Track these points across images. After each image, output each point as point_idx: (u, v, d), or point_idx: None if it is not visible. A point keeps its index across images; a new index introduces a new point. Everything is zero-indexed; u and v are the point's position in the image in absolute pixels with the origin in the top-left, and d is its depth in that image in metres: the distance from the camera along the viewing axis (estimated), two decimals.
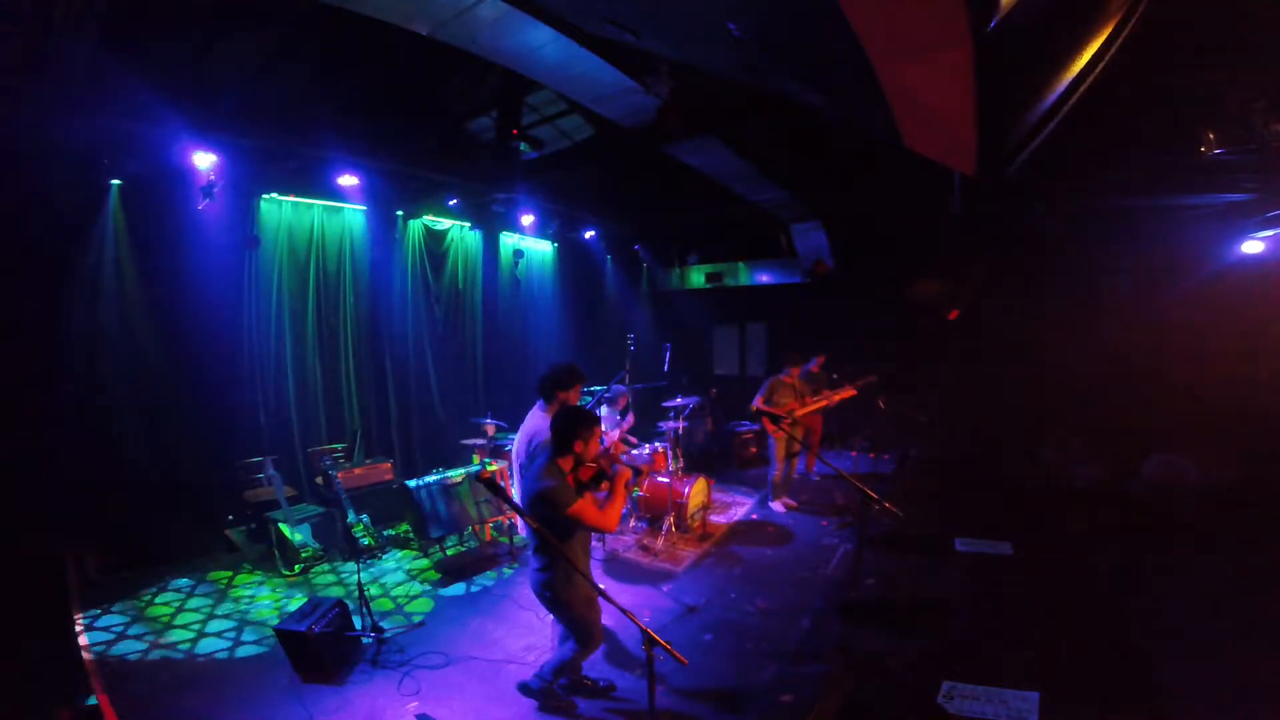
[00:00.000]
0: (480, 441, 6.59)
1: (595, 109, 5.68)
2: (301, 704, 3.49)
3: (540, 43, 4.40)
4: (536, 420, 3.89)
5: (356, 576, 4.20)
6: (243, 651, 4.09)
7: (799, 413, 6.47)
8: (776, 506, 6.81)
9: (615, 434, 5.48)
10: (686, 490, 5.99)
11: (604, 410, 6.05)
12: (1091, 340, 7.41)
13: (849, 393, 6.72)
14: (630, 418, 5.79)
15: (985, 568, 5.24)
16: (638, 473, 3.64)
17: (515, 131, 6.09)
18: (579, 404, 4.01)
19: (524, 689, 3.50)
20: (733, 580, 5.15)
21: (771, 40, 3.59)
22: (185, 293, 5.62)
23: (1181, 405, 6.77)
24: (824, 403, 6.67)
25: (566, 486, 2.97)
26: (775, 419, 6.24)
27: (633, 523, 6.22)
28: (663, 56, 4.84)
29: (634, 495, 6.19)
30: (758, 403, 6.43)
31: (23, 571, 3.95)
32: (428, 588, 5.04)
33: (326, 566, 5.36)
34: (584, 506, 2.95)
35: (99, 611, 4.41)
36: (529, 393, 4.36)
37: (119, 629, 4.23)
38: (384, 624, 4.20)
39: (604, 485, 3.40)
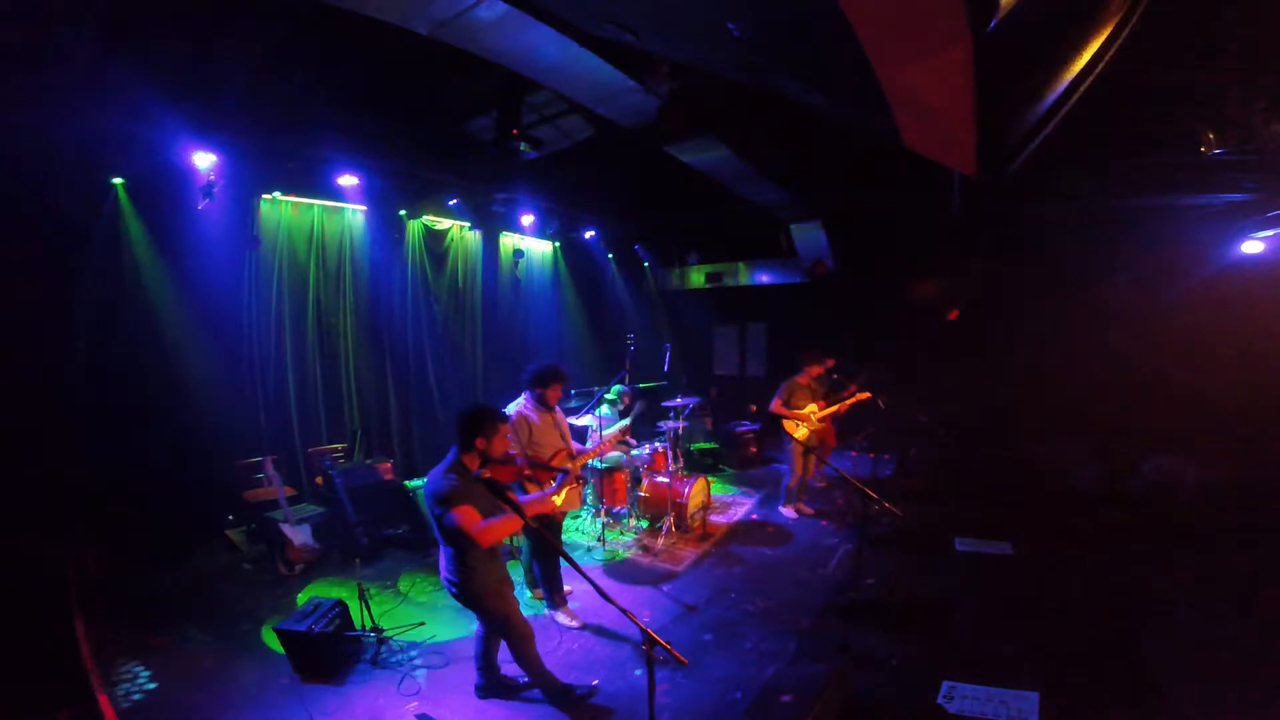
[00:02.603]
0: None
1: (595, 109, 5.67)
2: (301, 704, 3.49)
3: (540, 43, 4.40)
4: (516, 408, 4.32)
5: (357, 576, 4.21)
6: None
7: (816, 416, 6.40)
8: (788, 512, 6.67)
9: (607, 435, 5.48)
10: (686, 490, 5.99)
11: (605, 410, 6.06)
12: (1091, 340, 7.42)
13: (865, 395, 6.55)
14: (627, 422, 5.73)
15: (985, 568, 5.25)
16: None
17: (515, 131, 6.08)
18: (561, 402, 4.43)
19: (486, 690, 3.56)
20: (733, 580, 5.15)
21: (771, 40, 3.59)
22: (185, 293, 5.62)
23: (1181, 405, 6.77)
24: (840, 407, 6.51)
25: (464, 487, 2.99)
26: (777, 419, 6.21)
27: (633, 523, 6.22)
28: (663, 56, 4.84)
29: (635, 495, 6.20)
30: (775, 406, 6.32)
31: (23, 572, 3.95)
32: (428, 587, 5.04)
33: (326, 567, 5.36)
34: (467, 511, 2.93)
35: None
36: (516, 394, 4.57)
37: None
38: (384, 624, 4.20)
39: (534, 487, 3.51)
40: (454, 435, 3.19)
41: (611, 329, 10.65)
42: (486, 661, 3.53)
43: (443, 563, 3.18)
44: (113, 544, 4.97)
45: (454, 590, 3.15)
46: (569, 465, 4.08)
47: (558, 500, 3.70)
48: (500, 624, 3.24)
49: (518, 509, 2.93)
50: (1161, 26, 3.45)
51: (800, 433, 6.28)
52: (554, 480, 3.67)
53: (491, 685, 3.56)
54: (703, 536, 6.06)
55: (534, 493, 3.71)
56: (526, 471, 3.85)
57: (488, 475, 2.97)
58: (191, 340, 5.66)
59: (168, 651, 4.01)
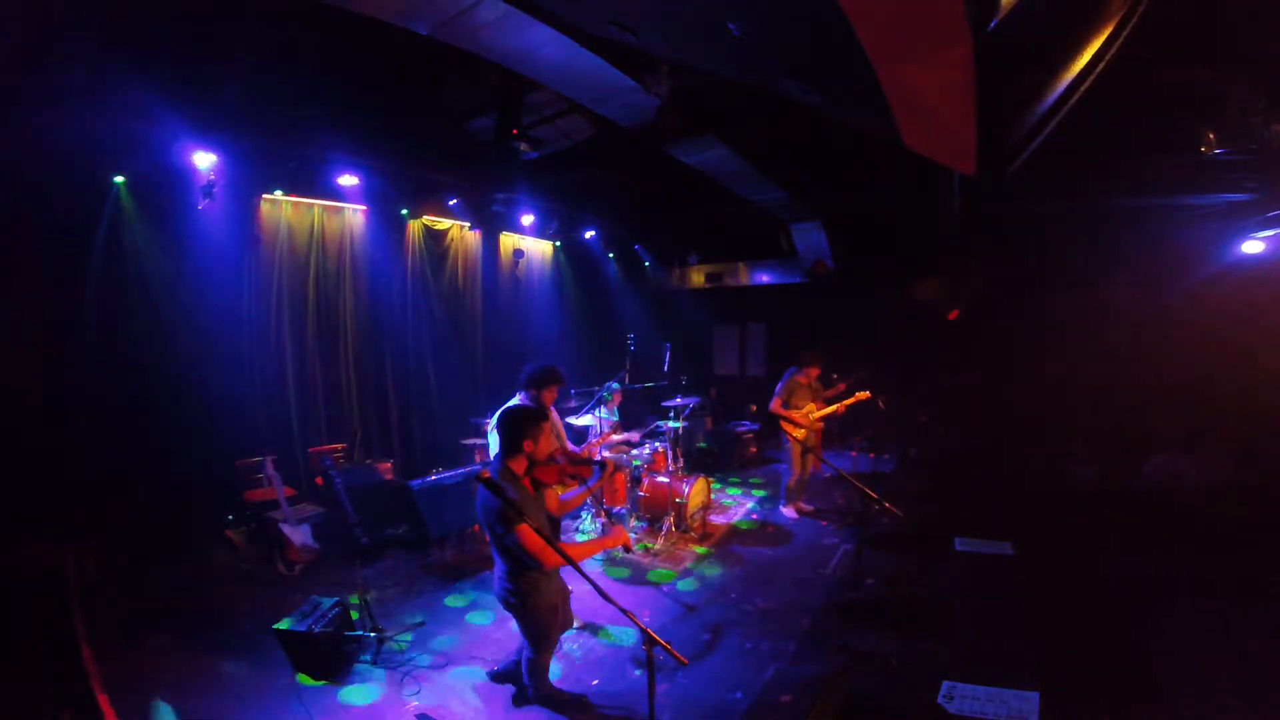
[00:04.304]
0: (480, 441, 6.59)
1: (595, 109, 5.67)
2: (301, 704, 3.49)
3: (540, 43, 4.40)
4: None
5: (357, 576, 4.21)
6: None
7: (814, 416, 6.36)
8: (789, 512, 6.65)
9: (605, 433, 5.49)
10: (686, 490, 5.98)
11: (602, 411, 6.06)
12: (1091, 340, 7.41)
13: (864, 395, 6.49)
14: (614, 420, 5.75)
15: (985, 568, 5.24)
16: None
17: (515, 131, 6.08)
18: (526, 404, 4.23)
19: (520, 698, 3.54)
20: (733, 580, 5.15)
21: (771, 40, 3.60)
22: (185, 293, 5.62)
23: (1181, 405, 6.77)
24: (839, 407, 6.45)
25: (520, 497, 2.94)
26: (776, 419, 6.19)
27: (633, 523, 6.22)
28: (663, 56, 4.84)
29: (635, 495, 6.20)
30: (775, 406, 6.28)
31: (23, 572, 3.95)
32: (428, 588, 5.04)
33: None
34: (528, 532, 2.78)
35: None
36: (513, 393, 4.51)
37: None
38: (384, 624, 4.20)
39: (572, 484, 3.58)
40: (500, 440, 3.13)
41: (611, 329, 10.65)
42: (536, 669, 3.50)
43: (499, 574, 3.11)
44: (113, 544, 4.97)
45: (512, 600, 3.08)
46: (606, 458, 4.07)
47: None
48: (542, 637, 3.22)
49: (516, 512, 2.93)
50: (1161, 26, 3.45)
51: (798, 432, 6.27)
52: (591, 474, 3.70)
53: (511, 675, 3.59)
54: (703, 536, 6.06)
55: (573, 488, 3.69)
56: (569, 469, 3.83)
57: (486, 474, 2.95)
58: (191, 340, 5.66)
59: (167, 652, 4.01)
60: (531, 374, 4.29)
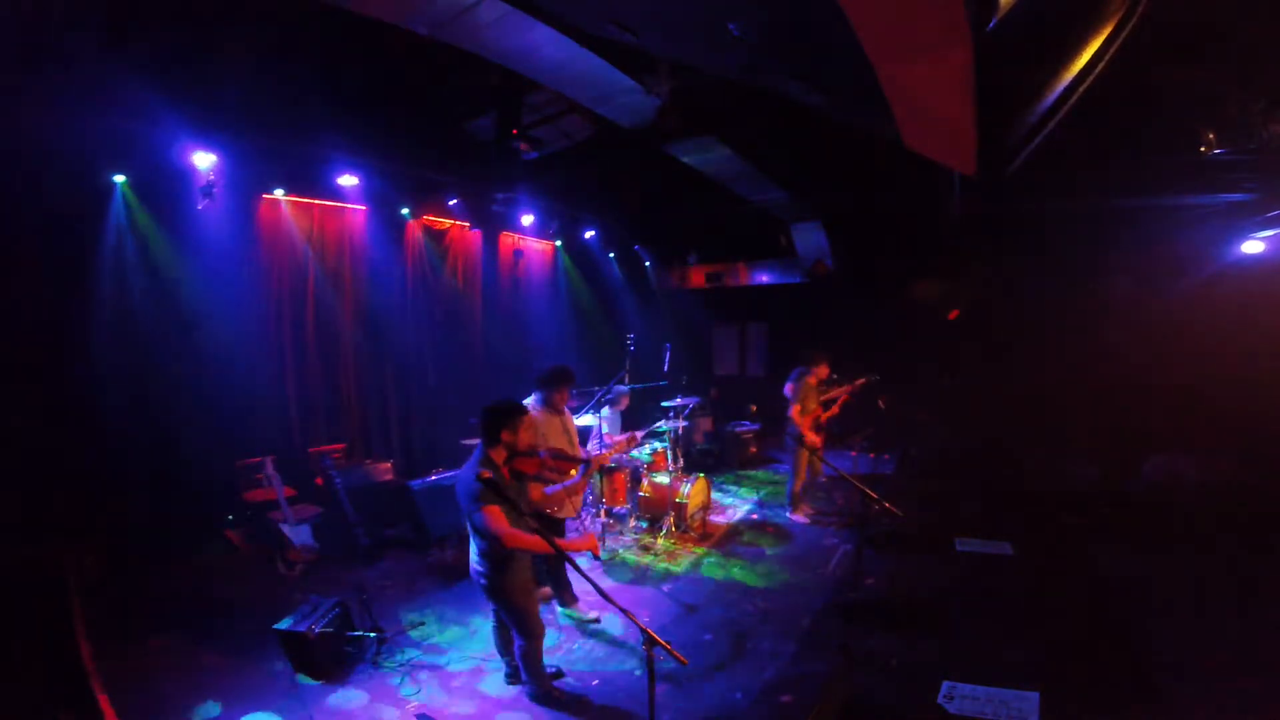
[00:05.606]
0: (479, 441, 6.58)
1: (595, 109, 5.68)
2: (301, 704, 3.49)
3: (540, 43, 4.40)
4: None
5: (356, 577, 4.21)
6: None
7: (824, 418, 6.36)
8: (799, 518, 6.62)
9: (617, 437, 5.49)
10: (686, 490, 5.98)
11: (606, 411, 6.05)
12: (1091, 340, 7.41)
13: (845, 391, 6.53)
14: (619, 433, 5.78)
15: (985, 568, 5.24)
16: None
17: (515, 131, 6.08)
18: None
19: (529, 694, 3.57)
20: (733, 580, 5.14)
21: (771, 40, 3.60)
22: (185, 293, 5.62)
23: (1181, 405, 6.77)
24: (835, 408, 6.48)
25: (495, 482, 3.03)
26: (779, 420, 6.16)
27: (633, 523, 6.22)
28: (663, 56, 4.85)
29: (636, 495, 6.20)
30: (794, 412, 6.23)
31: (23, 572, 3.94)
32: (428, 588, 5.04)
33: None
34: (495, 512, 2.98)
35: None
36: (528, 392, 4.61)
37: None
38: (384, 624, 4.20)
39: (555, 478, 3.71)
40: (481, 431, 3.28)
41: (611, 329, 10.65)
42: (509, 646, 3.60)
43: (473, 556, 3.27)
44: (113, 544, 4.97)
45: (483, 582, 3.24)
46: (590, 456, 4.11)
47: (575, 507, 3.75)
48: (521, 620, 3.31)
49: (512, 506, 2.98)
50: (1161, 26, 3.45)
51: (810, 436, 6.27)
52: (576, 471, 3.76)
53: (517, 671, 3.61)
54: (703, 536, 6.06)
55: (556, 483, 3.75)
56: (550, 463, 3.88)
57: (487, 475, 2.96)
58: (191, 340, 5.65)
59: (167, 652, 4.01)
60: (543, 374, 4.45)
